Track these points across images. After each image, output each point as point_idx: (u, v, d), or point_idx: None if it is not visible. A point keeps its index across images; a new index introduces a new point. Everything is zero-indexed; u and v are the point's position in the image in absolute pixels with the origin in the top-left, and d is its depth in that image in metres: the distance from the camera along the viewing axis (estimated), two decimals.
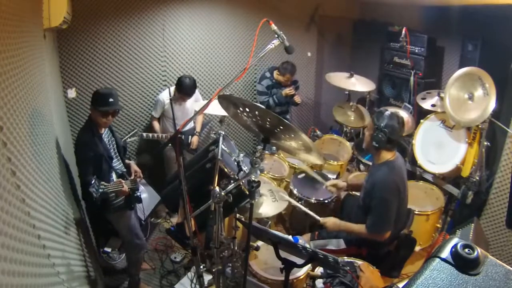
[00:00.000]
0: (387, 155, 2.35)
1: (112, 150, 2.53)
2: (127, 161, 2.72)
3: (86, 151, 2.29)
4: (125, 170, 2.61)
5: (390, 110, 2.39)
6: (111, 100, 2.33)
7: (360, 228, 2.37)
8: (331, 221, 2.48)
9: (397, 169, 2.32)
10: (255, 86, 4.38)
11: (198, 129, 3.81)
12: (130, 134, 3.26)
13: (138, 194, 2.56)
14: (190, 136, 3.68)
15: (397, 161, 2.37)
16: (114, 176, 2.50)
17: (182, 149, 3.28)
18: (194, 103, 3.64)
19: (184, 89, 3.36)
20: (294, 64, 3.93)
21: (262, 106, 1.68)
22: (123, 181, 2.33)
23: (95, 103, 2.33)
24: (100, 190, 2.16)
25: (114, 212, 2.49)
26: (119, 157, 2.60)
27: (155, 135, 3.46)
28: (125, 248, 2.88)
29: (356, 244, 2.49)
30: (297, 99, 4.03)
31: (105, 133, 2.49)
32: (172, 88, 3.49)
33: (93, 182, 2.15)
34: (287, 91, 3.92)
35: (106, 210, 2.45)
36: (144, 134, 3.37)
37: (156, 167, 3.95)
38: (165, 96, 3.54)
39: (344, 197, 3.05)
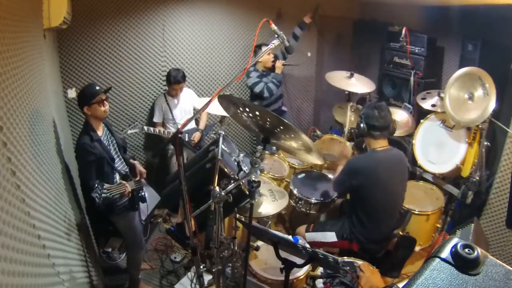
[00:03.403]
0: (373, 144, 2.36)
1: (113, 150, 2.52)
2: (131, 160, 2.72)
3: (87, 156, 2.28)
4: (127, 170, 2.59)
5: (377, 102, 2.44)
6: (97, 88, 2.38)
7: None
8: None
9: (378, 159, 2.31)
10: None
11: (201, 127, 3.81)
12: (131, 126, 3.35)
13: (142, 193, 2.56)
14: (187, 134, 3.68)
15: (384, 153, 2.35)
16: (117, 177, 2.49)
17: (182, 145, 3.33)
18: (193, 99, 3.69)
19: (170, 76, 3.46)
20: None
21: (263, 107, 1.67)
22: (125, 182, 2.33)
23: (87, 100, 2.31)
24: (103, 195, 2.14)
25: (118, 214, 2.48)
26: (121, 157, 2.59)
27: (156, 129, 3.51)
28: (126, 248, 2.88)
29: (347, 239, 2.51)
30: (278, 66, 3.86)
31: (104, 135, 2.47)
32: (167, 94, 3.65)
33: (96, 186, 2.12)
34: (279, 64, 3.78)
35: (109, 212, 2.44)
36: (145, 128, 3.44)
37: (159, 166, 3.95)
38: (160, 99, 3.64)
39: (343, 200, 3.06)
